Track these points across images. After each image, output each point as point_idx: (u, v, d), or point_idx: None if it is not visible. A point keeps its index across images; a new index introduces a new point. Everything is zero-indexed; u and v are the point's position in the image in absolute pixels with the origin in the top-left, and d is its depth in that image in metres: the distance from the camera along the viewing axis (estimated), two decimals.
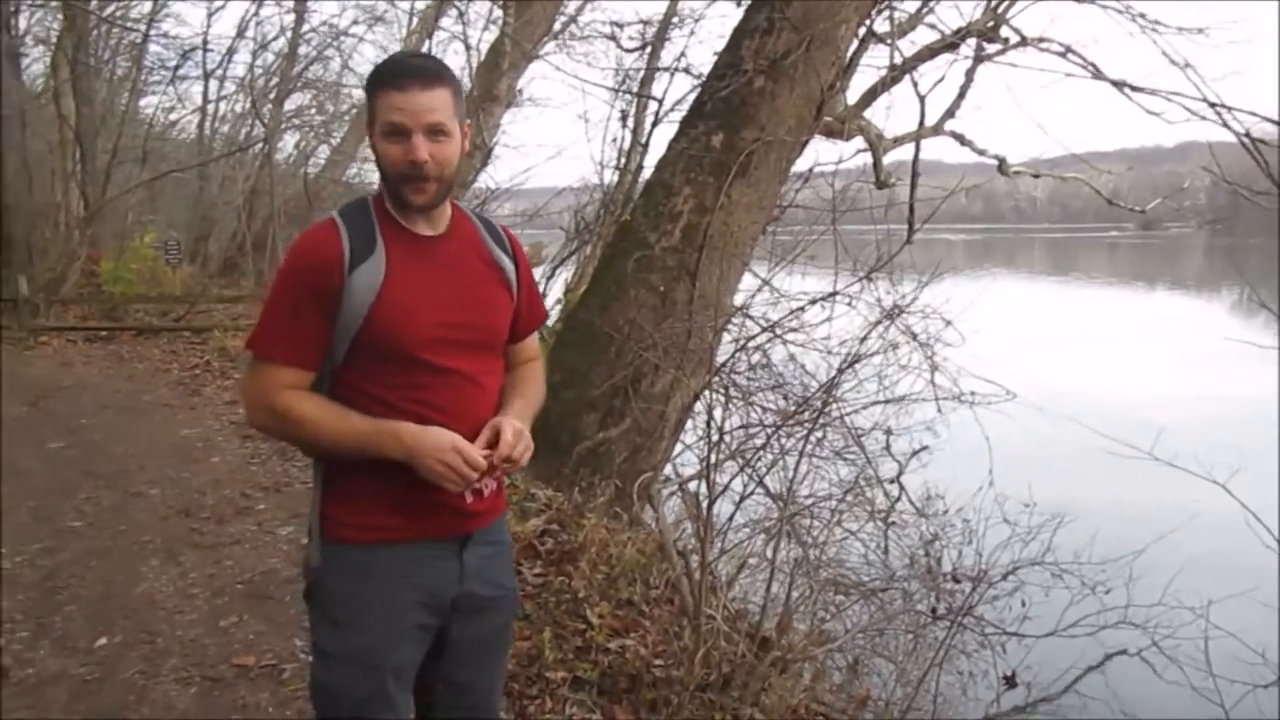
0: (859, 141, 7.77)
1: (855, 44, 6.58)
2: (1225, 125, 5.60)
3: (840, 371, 4.49)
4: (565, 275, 10.27)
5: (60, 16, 16.48)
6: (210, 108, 21.33)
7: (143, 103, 22.12)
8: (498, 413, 1.87)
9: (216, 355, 11.46)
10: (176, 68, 19.16)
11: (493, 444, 1.80)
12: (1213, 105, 5.12)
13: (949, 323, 5.43)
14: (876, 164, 7.60)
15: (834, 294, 5.31)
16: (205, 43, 18.76)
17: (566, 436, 5.71)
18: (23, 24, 17.60)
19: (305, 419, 1.78)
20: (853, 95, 7.22)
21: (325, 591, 1.85)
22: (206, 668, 3.56)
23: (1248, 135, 5.24)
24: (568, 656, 3.46)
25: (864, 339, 4.75)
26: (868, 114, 7.59)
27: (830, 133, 7.27)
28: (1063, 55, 6.75)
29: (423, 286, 1.78)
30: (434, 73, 1.78)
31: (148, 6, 18.86)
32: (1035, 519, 4.55)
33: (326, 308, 1.75)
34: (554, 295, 9.83)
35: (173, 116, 23.07)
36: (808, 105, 6.11)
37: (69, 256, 16.09)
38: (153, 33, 18.20)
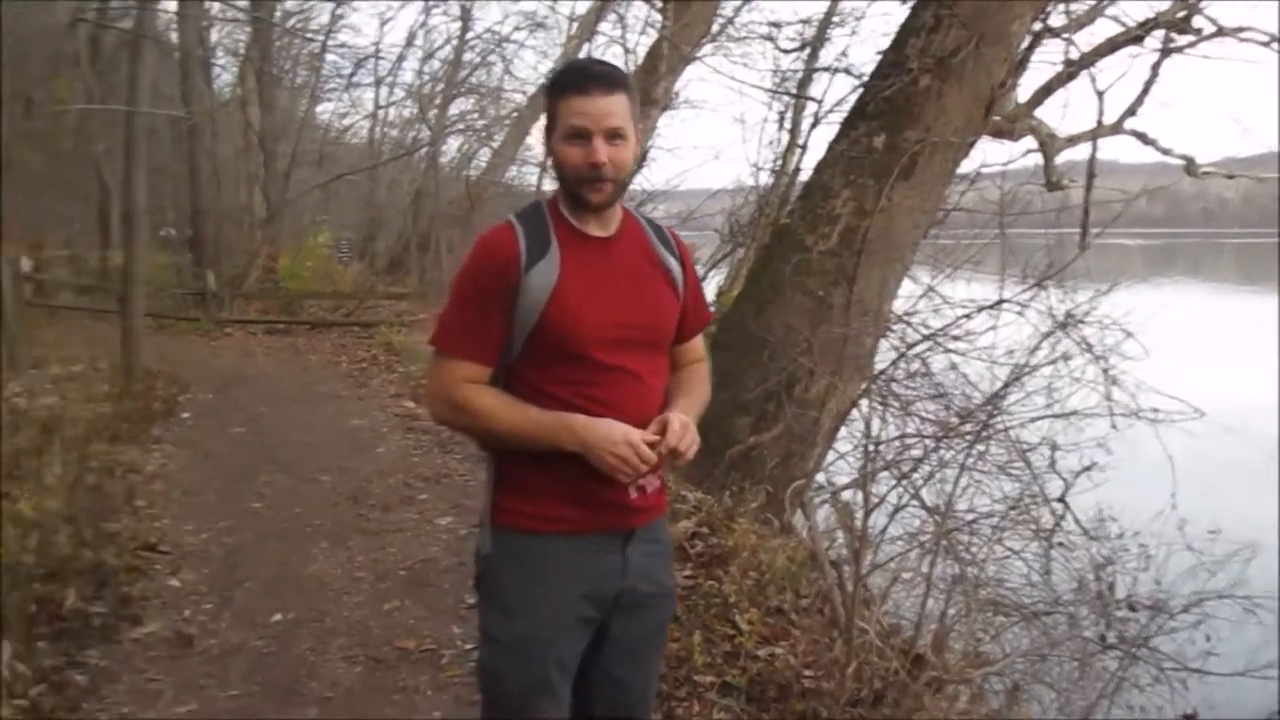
0: (1029, 141, 7.47)
1: (1028, 40, 6.30)
2: None
3: (1008, 383, 4.31)
4: (718, 278, 10.25)
5: (248, 29, 17.61)
6: (380, 113, 22.44)
7: (319, 109, 23.52)
8: (663, 410, 1.89)
9: (383, 349, 12.00)
10: (351, 75, 20.27)
11: (660, 436, 1.82)
12: None
13: (1129, 334, 5.12)
14: (1048, 165, 7.27)
15: (1001, 302, 5.09)
16: (377, 51, 19.77)
17: (718, 439, 5.69)
18: (214, 37, 18.94)
19: (483, 411, 1.85)
20: (1024, 93, 6.93)
21: (495, 579, 1.91)
22: (371, 649, 3.72)
23: None
24: (716, 661, 3.44)
25: (1034, 349, 4.53)
26: (1039, 112, 7.28)
27: (999, 133, 7.00)
28: (1266, 45, 6.28)
29: (594, 286, 1.84)
30: (614, 79, 1.85)
31: (326, 18, 19.92)
32: (1224, 547, 4.23)
33: (504, 306, 1.82)
34: (708, 297, 9.82)
35: (346, 122, 24.40)
36: (976, 104, 5.90)
37: (251, 254, 17.22)
38: (330, 42, 19.26)
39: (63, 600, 3.82)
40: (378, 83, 20.90)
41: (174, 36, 16.31)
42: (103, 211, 17.45)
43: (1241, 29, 6.37)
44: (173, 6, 15.15)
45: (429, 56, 19.90)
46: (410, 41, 20.19)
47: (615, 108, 1.80)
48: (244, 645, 3.74)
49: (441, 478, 6.27)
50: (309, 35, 19.25)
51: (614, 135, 1.80)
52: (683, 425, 1.83)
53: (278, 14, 17.81)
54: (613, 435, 1.79)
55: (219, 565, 4.63)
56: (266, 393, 9.42)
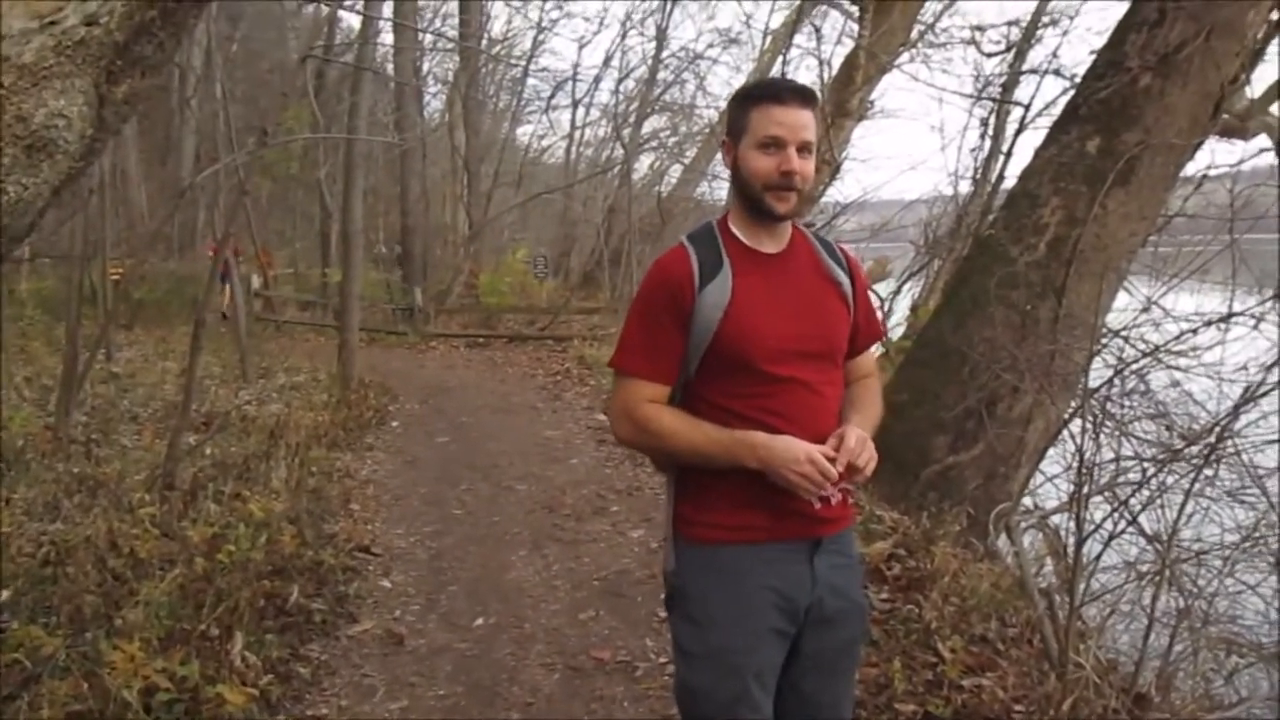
0: (1263, 140, 6.87)
1: (1265, 29, 5.78)
2: None
3: (1241, 403, 3.95)
4: (913, 291, 9.95)
5: (457, 58, 18.59)
6: (577, 133, 23.15)
7: (519, 131, 24.48)
8: (838, 425, 1.90)
9: (576, 363, 12.33)
10: (550, 98, 21.04)
11: (836, 451, 1.84)
12: None
13: None
14: None
15: (1231, 314, 4.68)
16: (575, 73, 20.43)
17: (914, 457, 5.51)
18: (425, 66, 20.11)
19: (665, 431, 1.89)
20: (1258, 88, 6.38)
21: (684, 592, 1.93)
22: (568, 656, 3.81)
23: None
24: (918, 689, 3.32)
25: (1271, 366, 4.14)
26: (1275, 108, 6.68)
27: (1229, 131, 6.48)
28: None
29: (766, 301, 1.88)
30: (809, 95, 1.92)
31: (528, 44, 20.78)
32: None
33: (681, 325, 1.88)
34: (900, 311, 9.55)
35: (544, 143, 25.32)
36: (1204, 102, 5.47)
37: (455, 271, 18.11)
38: (531, 67, 20.08)
39: (287, 596, 4.11)
40: (575, 104, 21.63)
41: (390, 68, 17.42)
42: (323, 232, 18.85)
43: None
44: (390, 40, 16.18)
45: (625, 77, 20.42)
46: (607, 63, 20.86)
47: (809, 122, 1.87)
48: (449, 646, 3.92)
49: (633, 490, 6.37)
50: (513, 61, 20.16)
51: (804, 148, 1.86)
52: (859, 440, 1.84)
53: (484, 42, 18.74)
54: (794, 453, 1.80)
55: (425, 568, 4.88)
56: (467, 403, 9.87)
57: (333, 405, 8.67)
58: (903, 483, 5.42)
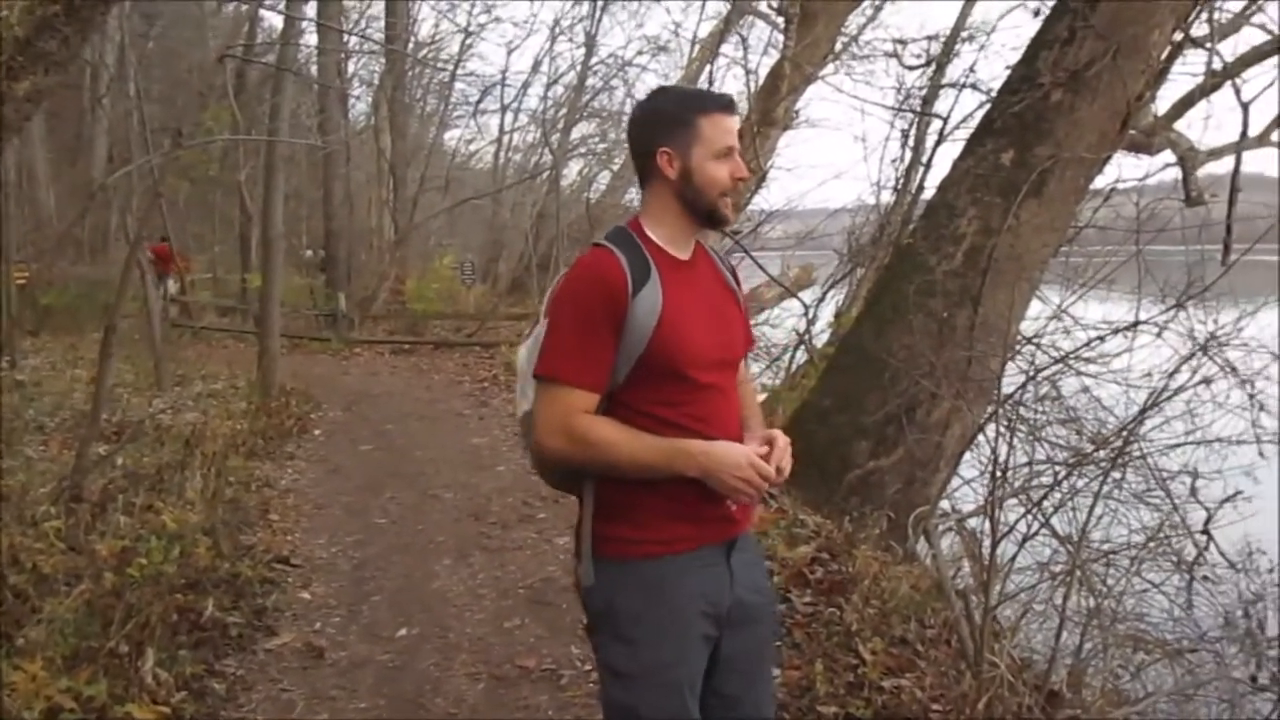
0: (1168, 155, 7.15)
1: (1168, 50, 6.03)
2: None
3: (1145, 408, 4.10)
4: (837, 298, 10.11)
5: (383, 60, 18.36)
6: (505, 139, 23.03)
7: (447, 135, 24.29)
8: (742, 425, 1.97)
9: (503, 369, 12.25)
10: (478, 102, 20.93)
11: (768, 451, 1.87)
12: None
13: (1278, 356, 4.82)
14: (1188, 179, 6.94)
15: (1138, 323, 4.86)
16: (504, 79, 20.32)
17: (837, 463, 5.60)
18: (350, 68, 19.82)
19: (605, 441, 1.82)
20: (1163, 106, 6.64)
21: (611, 610, 1.88)
22: (493, 666, 3.78)
23: None
24: (839, 691, 3.36)
25: (1173, 373, 4.30)
26: (1179, 125, 6.97)
27: (1135, 147, 6.73)
28: None
29: (691, 309, 1.87)
30: (736, 102, 1.99)
31: (456, 48, 20.64)
32: None
33: (615, 331, 1.81)
34: (824, 318, 9.69)
35: (472, 147, 25.15)
36: (1111, 118, 5.67)
37: (380, 276, 17.86)
38: (459, 71, 19.92)
39: (202, 611, 4.00)
40: (503, 109, 21.48)
41: (314, 69, 17.12)
42: (243, 235, 18.42)
43: None
44: (313, 40, 15.91)
45: (553, 82, 20.36)
46: (535, 68, 20.78)
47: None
48: (371, 658, 3.86)
49: (560, 497, 6.32)
50: (439, 65, 19.97)
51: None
52: (785, 444, 1.89)
53: (410, 45, 18.53)
54: (734, 458, 1.81)
55: (347, 579, 4.80)
56: (392, 410, 9.73)
57: (252, 413, 8.46)
58: (826, 487, 5.50)
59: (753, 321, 12.17)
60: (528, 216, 20.73)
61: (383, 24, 18.76)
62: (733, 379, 1.98)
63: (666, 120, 1.89)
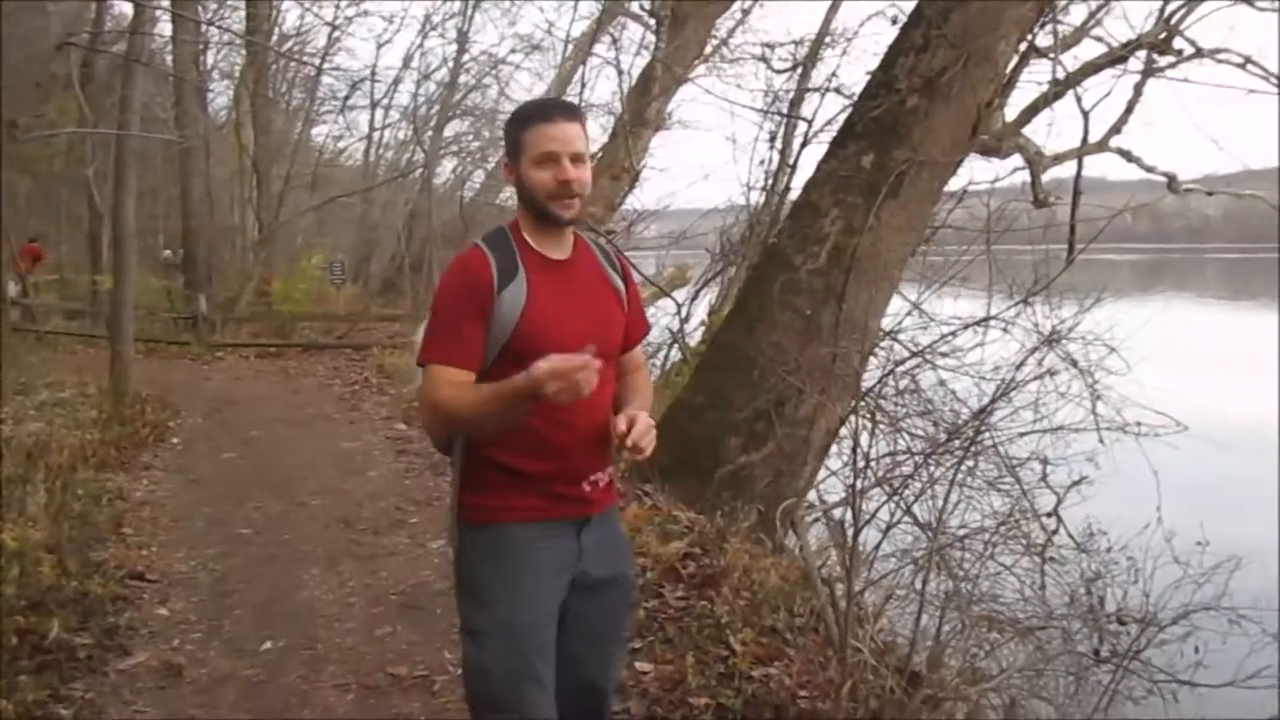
0: (1017, 159, 7.51)
1: (1015, 59, 6.35)
2: None
3: (994, 399, 4.31)
4: (710, 297, 10.25)
5: (244, 52, 17.67)
6: (376, 136, 22.52)
7: (314, 131, 23.58)
8: (618, 410, 2.09)
9: (375, 372, 11.99)
10: (346, 98, 20.34)
11: (626, 430, 2.00)
12: None
13: (1113, 349, 5.14)
14: (1035, 182, 7.30)
15: (988, 318, 5.11)
16: (373, 74, 19.80)
17: (709, 459, 5.69)
18: (210, 60, 19.01)
19: (450, 400, 1.98)
20: (1011, 112, 6.97)
21: (470, 574, 2.08)
22: (363, 675, 3.70)
23: None
24: (710, 683, 3.43)
25: (1020, 365, 4.54)
26: (1027, 131, 7.33)
27: (986, 151, 7.03)
28: (1242, 67, 6.34)
29: (557, 305, 2.04)
30: (574, 109, 2.14)
31: (323, 41, 20.00)
32: (1210, 559, 4.23)
33: (482, 319, 2.01)
34: (698, 317, 9.82)
35: (341, 144, 24.50)
36: (963, 123, 5.93)
37: (244, 277, 17.22)
38: (326, 66, 19.31)
39: (46, 633, 3.78)
40: (373, 105, 20.99)
41: (169, 60, 16.35)
42: (93, 234, 17.46)
43: (1219, 50, 6.42)
44: (167, 30, 15.19)
45: (425, 79, 19.99)
46: (406, 64, 20.25)
47: (577, 134, 2.05)
48: (234, 674, 3.72)
49: (433, 500, 6.25)
50: (304, 59, 19.32)
51: (577, 159, 2.04)
52: (647, 424, 2.03)
53: (274, 38, 17.88)
54: (539, 373, 1.83)
55: (208, 593, 4.61)
56: (257, 416, 9.40)
57: (103, 422, 8.03)
58: (698, 483, 5.59)
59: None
60: (400, 216, 20.34)
61: (243, 14, 18.06)
62: (607, 370, 2.06)
63: (507, 136, 2.14)
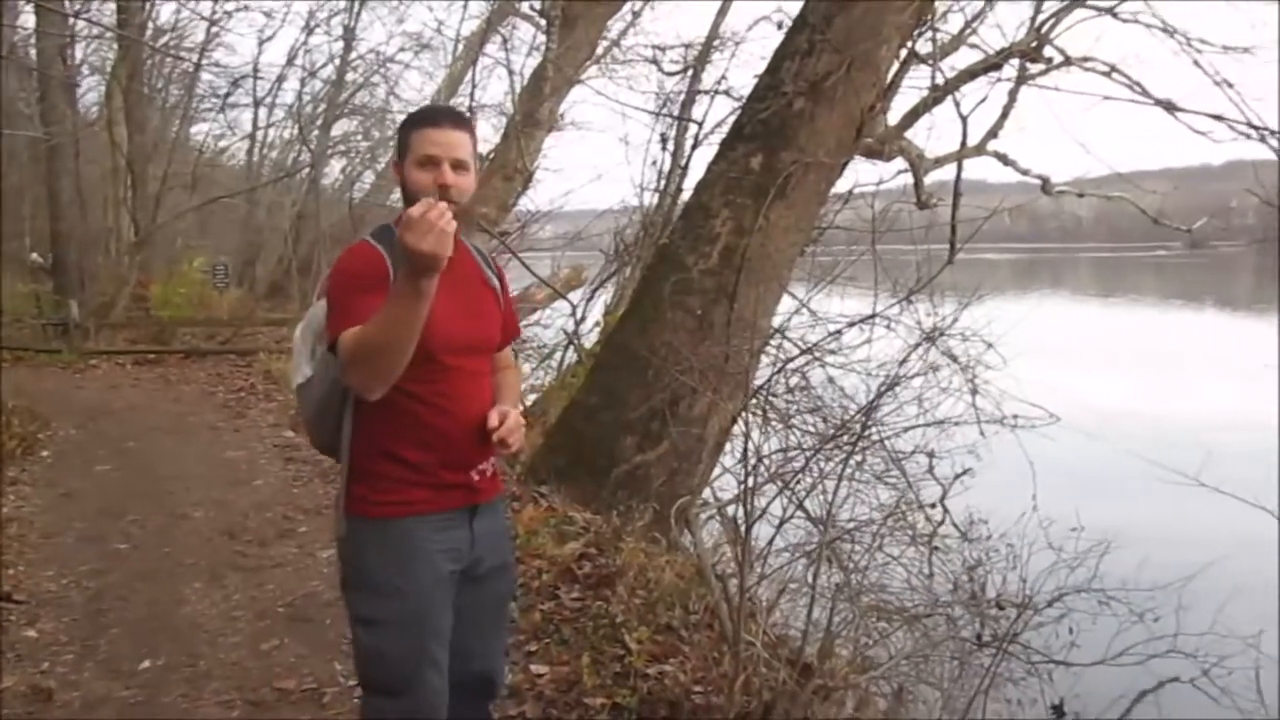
0: (900, 162, 7.73)
1: (897, 65, 6.54)
2: (1269, 145, 5.48)
3: (879, 394, 4.43)
4: (605, 297, 10.27)
5: (115, 46, 16.90)
6: (259, 134, 21.79)
7: (194, 130, 22.63)
8: (492, 405, 2.19)
9: (261, 378, 11.63)
10: (227, 95, 19.54)
11: (498, 425, 2.11)
12: (1255, 127, 5.03)
13: (990, 345, 5.35)
14: (918, 184, 7.53)
15: (873, 316, 5.24)
16: (256, 71, 19.10)
17: (604, 459, 5.70)
18: (79, 54, 18.10)
19: (365, 338, 1.94)
20: (894, 116, 7.18)
21: (363, 565, 2.13)
22: (248, 691, 3.59)
23: None
24: (606, 682, 3.43)
25: (903, 361, 4.68)
26: (909, 134, 7.55)
27: (871, 153, 7.22)
28: (1107, 75, 6.66)
29: (443, 301, 2.02)
30: (462, 118, 2.21)
31: (200, 36, 19.22)
32: (1082, 544, 4.44)
33: (383, 297, 1.99)
34: (593, 318, 9.83)
35: (223, 143, 23.59)
36: (848, 126, 6.09)
37: (119, 281, 16.46)
38: (204, 62, 18.59)
39: None
40: (256, 103, 20.21)
41: (32, 53, 15.52)
42: None
43: (1086, 59, 6.74)
44: (31, 22, 14.41)
45: (310, 76, 19.40)
46: (291, 61, 19.51)
47: (461, 142, 2.11)
48: (109, 696, 3.57)
49: (322, 509, 6.10)
50: (180, 55, 18.55)
51: (459, 165, 2.09)
52: (517, 421, 2.14)
53: (148, 32, 17.13)
54: (401, 241, 1.82)
55: (81, 612, 4.41)
56: (135, 426, 9.00)
57: None
58: (594, 484, 5.59)
59: (525, 322, 12.12)
60: (287, 217, 19.75)
61: (114, 7, 17.24)
62: (483, 364, 2.24)
63: (398, 137, 2.22)
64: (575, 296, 10.31)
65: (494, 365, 2.33)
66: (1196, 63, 6.10)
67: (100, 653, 3.95)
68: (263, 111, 20.71)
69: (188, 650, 3.96)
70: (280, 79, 19.89)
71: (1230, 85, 5.91)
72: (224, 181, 22.67)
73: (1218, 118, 5.71)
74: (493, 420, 2.11)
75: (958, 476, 5.41)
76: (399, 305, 1.90)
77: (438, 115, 2.18)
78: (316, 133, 18.54)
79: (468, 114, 2.32)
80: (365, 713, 2.20)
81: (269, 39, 31.66)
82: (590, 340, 9.34)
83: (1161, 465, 3.96)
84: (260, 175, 21.67)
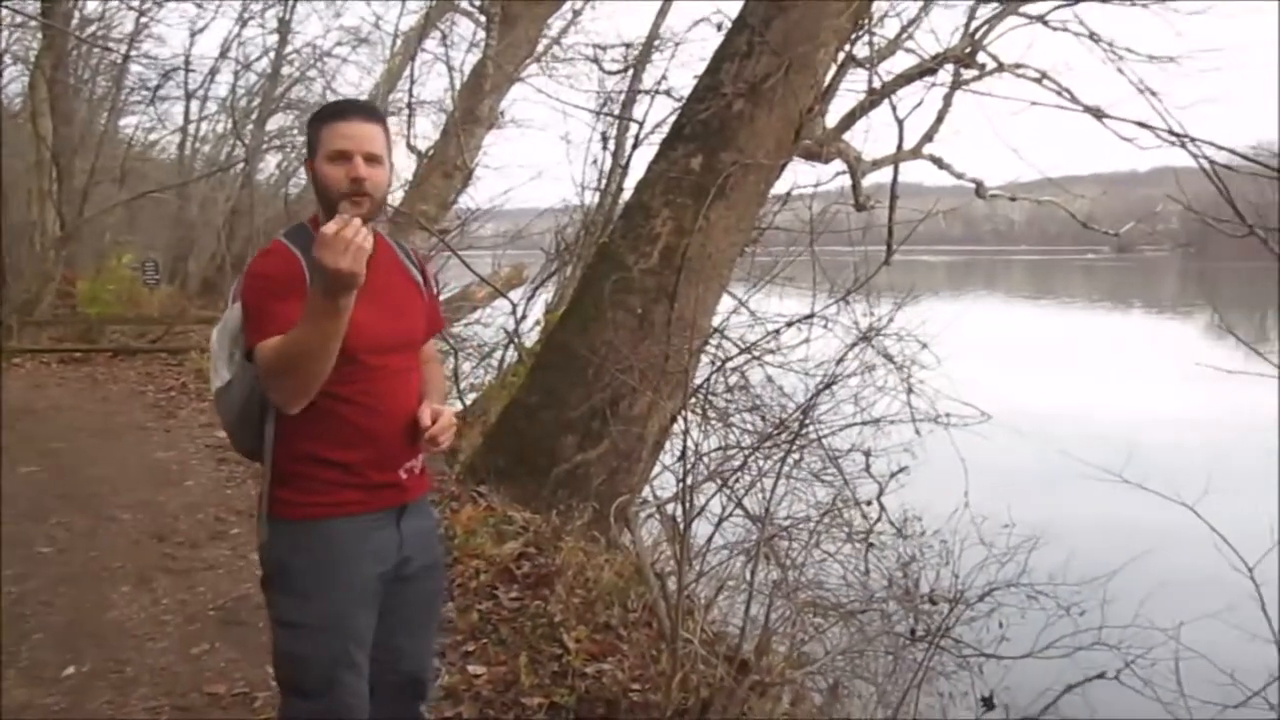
0: (838, 164, 7.83)
1: (834, 68, 6.63)
2: (1189, 152, 5.64)
3: (816, 393, 4.49)
4: (545, 296, 10.24)
5: (39, 36, 16.39)
6: (191, 128, 21.30)
7: (122, 123, 22.00)
8: (419, 401, 2.16)
9: (193, 377, 11.37)
10: (157, 88, 19.01)
11: (430, 423, 2.09)
12: (1176, 135, 5.16)
13: (924, 345, 5.45)
14: (855, 186, 7.63)
15: (811, 316, 5.31)
16: (187, 63, 18.62)
17: (544, 458, 5.69)
18: (1, 42, 17.53)
19: (283, 349, 1.90)
20: (832, 119, 7.27)
21: (285, 567, 2.07)
22: (176, 696, 3.51)
23: (1212, 164, 5.31)
24: (544, 682, 3.43)
25: (840, 361, 4.75)
26: (847, 137, 7.65)
27: (809, 155, 7.31)
28: (1038, 81, 6.82)
29: (362, 300, 1.93)
30: (372, 110, 2.16)
31: (129, 27, 18.69)
32: (1012, 540, 4.55)
33: (300, 302, 1.92)
34: (534, 316, 9.79)
35: (153, 137, 23.00)
36: (786, 128, 6.15)
37: (44, 277, 15.94)
38: (134, 53, 18.08)
39: None
40: (188, 96, 19.71)
41: None
42: None
43: (1018, 65, 6.90)
44: None
45: (244, 69, 19.00)
46: (224, 54, 19.08)
47: (374, 135, 2.06)
48: (31, 704, 3.46)
49: (256, 509, 5.97)
50: (108, 45, 18.04)
51: (372, 159, 2.04)
52: (449, 420, 2.12)
53: (75, 21, 16.63)
54: (316, 260, 1.79)
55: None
56: (61, 427, 8.74)
57: None
58: (534, 483, 5.58)
59: (466, 320, 12.00)
60: (220, 213, 19.33)
61: None
62: (411, 360, 2.19)
63: (307, 133, 2.15)
64: (516, 295, 10.26)
65: (420, 359, 2.29)
66: (1120, 70, 6.26)
67: (21, 660, 3.82)
68: (195, 105, 20.26)
69: (114, 656, 3.86)
70: (213, 72, 19.44)
71: (1154, 94, 6.08)
72: (154, 175, 22.10)
73: (1142, 125, 5.85)
74: (425, 419, 2.08)
75: (893, 474, 5.52)
76: (316, 323, 1.85)
77: (347, 109, 2.12)
78: (251, 127, 18.18)
79: (377, 107, 2.34)
80: (283, 713, 2.17)
81: (201, 30, 30.96)
82: (531, 339, 9.30)
83: (1088, 463, 4.07)
84: (192, 170, 21.18)
